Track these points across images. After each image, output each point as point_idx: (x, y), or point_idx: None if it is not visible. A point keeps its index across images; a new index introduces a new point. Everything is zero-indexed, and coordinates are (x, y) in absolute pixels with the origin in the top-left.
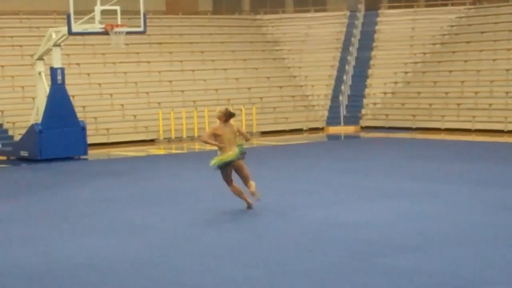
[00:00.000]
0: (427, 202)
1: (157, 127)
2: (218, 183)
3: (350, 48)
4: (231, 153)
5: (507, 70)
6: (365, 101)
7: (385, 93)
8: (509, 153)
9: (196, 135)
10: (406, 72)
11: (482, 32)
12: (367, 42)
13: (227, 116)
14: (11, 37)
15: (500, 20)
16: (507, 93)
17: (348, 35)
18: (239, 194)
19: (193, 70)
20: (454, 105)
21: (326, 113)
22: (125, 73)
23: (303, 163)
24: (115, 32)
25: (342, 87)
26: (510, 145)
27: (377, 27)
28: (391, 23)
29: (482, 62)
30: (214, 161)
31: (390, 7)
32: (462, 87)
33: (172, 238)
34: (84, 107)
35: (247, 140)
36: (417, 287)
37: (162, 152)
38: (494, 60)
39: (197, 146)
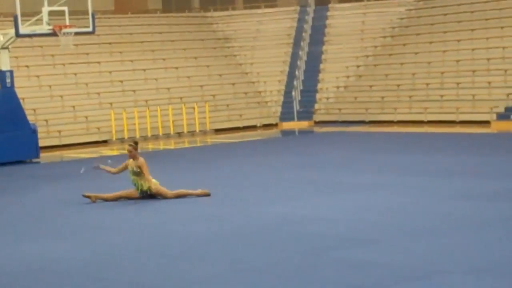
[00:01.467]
0: (382, 195)
1: (109, 128)
2: (172, 183)
3: (302, 43)
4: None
5: (457, 61)
6: (317, 95)
7: (337, 87)
8: (462, 143)
9: (149, 134)
10: (357, 66)
11: (432, 24)
12: (318, 37)
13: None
14: None
15: (449, 12)
16: (458, 84)
17: (299, 30)
18: (180, 195)
19: (144, 69)
20: (406, 97)
21: (279, 109)
22: (75, 74)
23: (258, 159)
24: (64, 33)
25: (295, 83)
26: (462, 135)
27: (327, 22)
28: (342, 17)
29: (432, 54)
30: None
31: (340, 1)
32: (413, 79)
33: (128, 239)
34: (34, 109)
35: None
36: (374, 280)
37: (115, 153)
38: (444, 51)
39: (150, 146)
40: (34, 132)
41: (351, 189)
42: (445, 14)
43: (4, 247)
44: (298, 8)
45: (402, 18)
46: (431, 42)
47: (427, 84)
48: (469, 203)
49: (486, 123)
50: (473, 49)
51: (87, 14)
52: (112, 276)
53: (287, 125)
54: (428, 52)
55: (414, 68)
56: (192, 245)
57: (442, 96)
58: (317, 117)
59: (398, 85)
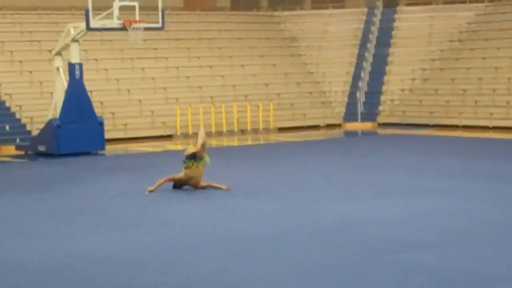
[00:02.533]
0: (444, 199)
1: (174, 123)
2: (234, 180)
3: (368, 45)
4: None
5: None
6: (382, 97)
7: (402, 89)
8: None
9: (213, 131)
10: (423, 69)
11: (501, 30)
12: (384, 39)
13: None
14: (30, 32)
15: None
16: None
17: (366, 32)
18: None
19: (210, 66)
20: (471, 102)
21: (343, 110)
22: (143, 68)
23: (320, 159)
24: (133, 28)
25: (360, 84)
26: None
27: (395, 24)
28: (409, 20)
29: (500, 59)
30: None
31: (408, 4)
32: (480, 84)
33: (189, 234)
34: (102, 102)
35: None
36: (432, 285)
37: (179, 147)
38: None
39: (213, 142)
40: (100, 124)
41: (413, 192)
42: None
43: (67, 237)
44: (365, 9)
45: (470, 23)
46: (499, 48)
47: (494, 89)
48: None
49: None
50: None
51: (157, 10)
52: (171, 269)
53: (350, 126)
54: (496, 57)
55: (481, 73)
56: (251, 242)
57: (508, 102)
58: (381, 119)
59: (464, 90)
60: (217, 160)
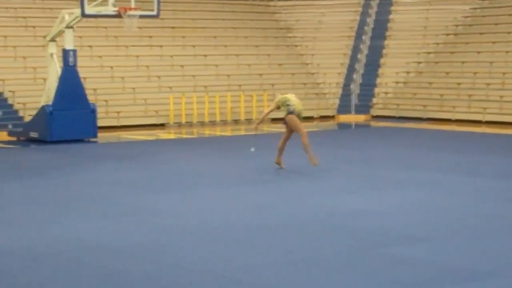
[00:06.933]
0: (435, 193)
1: (167, 112)
2: (226, 169)
3: (363, 37)
4: None
5: None
6: (376, 90)
7: (396, 82)
8: None
9: (206, 120)
10: (418, 62)
11: (496, 24)
12: (380, 31)
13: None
14: (24, 17)
15: None
16: None
17: (362, 23)
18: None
19: (205, 55)
20: (465, 96)
21: (337, 101)
22: (137, 56)
23: (313, 151)
24: (128, 15)
25: (354, 76)
26: None
27: (390, 16)
28: (405, 13)
29: (495, 53)
30: None
31: None
32: (474, 79)
33: (179, 223)
34: (95, 89)
35: None
36: (422, 279)
37: (171, 136)
38: (507, 52)
39: (207, 132)
40: (93, 111)
41: (405, 185)
42: (510, 15)
43: (57, 224)
44: (361, 1)
45: (466, 17)
46: (494, 42)
47: (488, 84)
48: None
49: None
50: None
51: None
52: (162, 258)
53: (344, 118)
54: (490, 52)
55: (475, 67)
56: (243, 233)
57: (501, 97)
58: (375, 112)
59: (458, 84)
60: (210, 150)
